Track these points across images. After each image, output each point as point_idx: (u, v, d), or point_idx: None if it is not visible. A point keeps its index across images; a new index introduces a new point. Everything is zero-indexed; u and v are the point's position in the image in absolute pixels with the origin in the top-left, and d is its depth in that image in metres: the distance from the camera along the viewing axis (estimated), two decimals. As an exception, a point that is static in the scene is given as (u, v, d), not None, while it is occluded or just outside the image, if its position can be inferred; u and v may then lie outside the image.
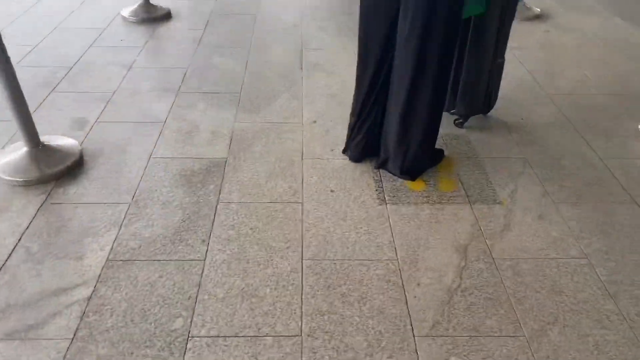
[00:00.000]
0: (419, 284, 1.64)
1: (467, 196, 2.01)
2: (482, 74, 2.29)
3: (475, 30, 2.17)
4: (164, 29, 3.46)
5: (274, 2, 3.90)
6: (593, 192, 2.03)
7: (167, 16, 3.62)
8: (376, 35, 1.92)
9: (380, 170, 2.13)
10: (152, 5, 3.63)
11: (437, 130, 2.09)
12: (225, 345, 1.44)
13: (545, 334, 1.48)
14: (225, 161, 2.18)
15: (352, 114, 2.13)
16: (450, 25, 1.83)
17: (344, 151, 2.21)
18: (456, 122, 2.42)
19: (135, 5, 3.60)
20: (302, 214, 1.91)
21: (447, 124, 2.42)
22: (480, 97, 2.38)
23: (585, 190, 2.05)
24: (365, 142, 2.14)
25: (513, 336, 1.48)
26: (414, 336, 1.48)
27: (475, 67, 2.26)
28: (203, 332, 1.48)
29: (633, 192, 2.03)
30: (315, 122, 2.46)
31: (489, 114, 2.50)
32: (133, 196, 1.98)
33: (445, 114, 2.41)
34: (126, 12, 3.59)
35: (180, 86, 2.75)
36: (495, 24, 2.17)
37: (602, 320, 1.53)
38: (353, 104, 2.11)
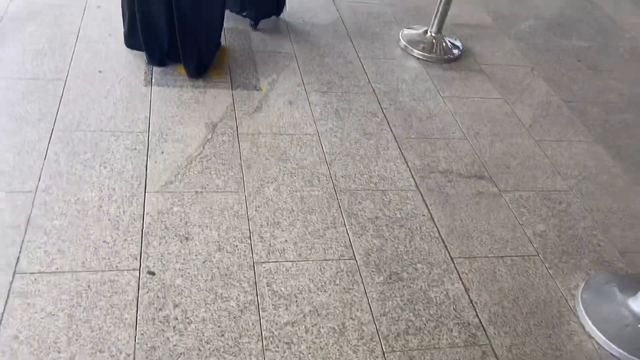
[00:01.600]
0: (162, 152, 1.82)
1: (232, 82, 2.20)
2: None
3: None
4: None
5: None
6: (342, 84, 2.33)
7: None
8: None
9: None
10: None
11: (221, 27, 2.22)
12: (-45, 200, 1.53)
13: (262, 191, 1.76)
14: (-9, 38, 2.14)
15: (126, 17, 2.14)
16: None
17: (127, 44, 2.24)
18: (250, 24, 2.54)
19: None
20: (63, 90, 1.98)
21: (237, 22, 2.56)
22: (268, 2, 2.51)
23: (337, 82, 2.33)
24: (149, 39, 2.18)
25: (234, 192, 1.73)
26: (145, 192, 1.67)
27: None
28: None
29: (375, 85, 2.36)
30: (99, 7, 2.47)
31: (280, 16, 2.66)
32: None
33: (237, 17, 2.54)
34: None
35: (-47, -39, 2.56)
36: None
37: (313, 180, 1.83)
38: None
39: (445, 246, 1.70)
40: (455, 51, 2.69)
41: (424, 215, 1.78)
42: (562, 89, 2.58)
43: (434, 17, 2.69)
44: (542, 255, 1.73)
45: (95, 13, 2.42)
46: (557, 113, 2.41)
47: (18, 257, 1.42)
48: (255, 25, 2.54)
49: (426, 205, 1.83)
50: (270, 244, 1.59)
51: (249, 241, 1.59)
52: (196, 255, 1.52)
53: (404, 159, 2.00)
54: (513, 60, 2.75)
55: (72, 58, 2.13)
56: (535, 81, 2.61)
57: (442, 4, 2.63)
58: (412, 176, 1.93)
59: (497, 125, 2.26)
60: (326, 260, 1.58)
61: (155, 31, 2.10)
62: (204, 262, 1.51)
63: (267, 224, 1.65)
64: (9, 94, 1.91)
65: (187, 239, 1.56)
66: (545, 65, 2.75)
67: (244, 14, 2.52)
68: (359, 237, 1.66)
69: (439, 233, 1.73)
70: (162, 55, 2.17)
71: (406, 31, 2.76)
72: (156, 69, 2.17)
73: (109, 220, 1.56)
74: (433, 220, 1.77)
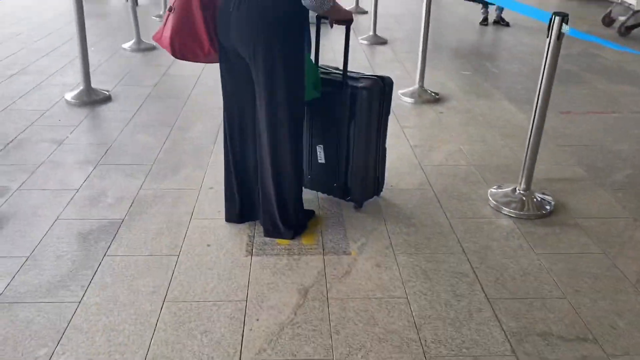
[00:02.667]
0: (258, 320, 1.94)
1: (323, 248, 2.35)
2: (369, 165, 2.59)
3: (359, 128, 2.48)
4: (101, 110, 3.90)
5: (206, 87, 4.38)
6: (430, 245, 2.38)
7: (106, 99, 4.07)
8: (238, 115, 2.33)
9: (256, 227, 2.47)
10: (93, 89, 4.09)
11: (300, 194, 2.44)
12: (77, 369, 1.71)
13: (350, 358, 1.77)
14: (121, 222, 2.51)
15: (227, 186, 2.47)
16: (294, 109, 2.24)
17: (227, 220, 2.53)
18: (354, 207, 2.69)
19: (78, 90, 4.06)
20: (175, 264, 2.23)
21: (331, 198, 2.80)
22: (370, 185, 2.66)
23: (425, 243, 2.40)
24: (245, 209, 2.50)
25: (323, 359, 1.77)
26: (239, 360, 1.76)
27: (362, 160, 2.55)
28: (62, 359, 1.75)
29: (464, 244, 2.39)
30: (212, 188, 2.83)
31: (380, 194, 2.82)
32: (32, 250, 2.29)
33: (340, 201, 2.74)
34: (69, 95, 4.03)
35: (100, 159, 3.12)
36: (375, 120, 2.51)
37: (402, 346, 1.83)
38: (225, 175, 2.46)
39: (549, 420, 1.56)
40: (548, 207, 2.68)
41: (522, 384, 1.68)
42: (671, 239, 2.43)
43: (521, 174, 2.74)
44: None
45: (208, 194, 2.77)
46: (668, 265, 2.25)
47: None
48: (359, 207, 2.68)
49: (524, 372, 1.73)
50: (357, 415, 1.57)
51: (337, 412, 1.58)
52: None
53: (498, 321, 1.94)
54: (611, 212, 2.67)
55: (185, 235, 2.42)
56: (638, 233, 2.48)
57: (527, 160, 2.69)
58: (507, 340, 1.86)
59: (598, 282, 2.15)
60: None
61: (238, 191, 2.45)
62: None
63: (355, 393, 1.65)
64: (130, 269, 2.19)
65: (276, 408, 1.59)
66: (649, 215, 2.63)
67: (348, 198, 2.68)
68: (451, 409, 1.59)
69: (540, 404, 1.61)
70: (237, 213, 2.49)
71: (494, 190, 2.82)
72: (257, 240, 2.39)
73: (205, 388, 1.65)
74: (533, 390, 1.66)
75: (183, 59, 2.26)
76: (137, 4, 6.12)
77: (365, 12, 7.20)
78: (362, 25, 6.29)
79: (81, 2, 3.92)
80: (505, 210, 2.65)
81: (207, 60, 2.27)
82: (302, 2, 2.02)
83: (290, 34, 2.13)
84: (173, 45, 2.14)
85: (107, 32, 6.13)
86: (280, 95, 2.17)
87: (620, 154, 3.33)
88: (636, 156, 3.29)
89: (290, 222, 2.40)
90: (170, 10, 2.13)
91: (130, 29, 5.52)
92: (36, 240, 2.36)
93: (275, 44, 2.10)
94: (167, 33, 2.13)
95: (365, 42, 5.92)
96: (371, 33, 5.99)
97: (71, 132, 3.49)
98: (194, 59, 2.26)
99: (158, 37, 2.20)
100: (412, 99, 4.18)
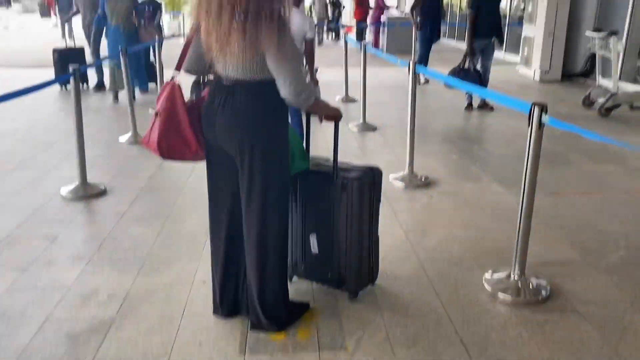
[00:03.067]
0: None
1: (319, 343, 2.29)
2: (363, 254, 2.58)
3: (351, 218, 2.49)
4: (96, 204, 3.93)
5: (200, 178, 4.44)
6: (428, 336, 2.34)
7: (102, 193, 4.10)
8: (224, 208, 2.36)
9: (250, 322, 2.42)
10: (88, 184, 4.13)
11: (284, 287, 2.40)
12: None
13: None
14: (112, 321, 2.46)
15: (214, 279, 2.46)
16: (279, 205, 2.27)
17: (215, 313, 2.49)
18: (349, 297, 2.65)
19: (73, 185, 4.10)
20: (166, 365, 2.16)
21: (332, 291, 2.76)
22: (365, 274, 2.64)
23: (423, 334, 2.35)
24: (230, 302, 2.46)
25: None
26: None
27: (356, 250, 2.55)
28: None
29: (462, 335, 2.34)
30: (204, 282, 2.79)
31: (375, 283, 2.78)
32: (18, 356, 2.22)
33: (335, 291, 2.71)
34: (65, 190, 4.07)
35: (93, 255, 3.11)
36: (366, 209, 2.54)
37: None
38: (212, 268, 2.46)
39: None
40: (543, 292, 2.66)
41: None
42: (672, 323, 2.39)
43: (514, 259, 2.74)
44: None
45: (201, 288, 2.73)
46: (672, 351, 2.20)
47: None
48: (355, 297, 2.63)
49: None
50: None
51: None
52: None
53: (502, 418, 1.87)
54: (609, 296, 2.65)
55: (177, 333, 2.37)
56: (638, 317, 2.45)
57: (519, 244, 2.69)
58: None
59: (602, 371, 2.09)
60: None
61: (224, 285, 2.42)
62: None
63: None
64: (120, 372, 2.12)
65: None
66: (647, 297, 2.61)
67: (343, 287, 2.64)
68: None
69: None
70: (222, 308, 2.46)
71: (488, 275, 2.81)
72: (251, 337, 2.33)
73: None
74: None
75: (171, 159, 2.32)
76: (134, 98, 6.34)
77: (355, 101, 7.47)
78: (352, 113, 6.51)
79: (79, 98, 4.06)
80: (501, 296, 2.63)
81: (195, 159, 2.34)
82: (285, 101, 2.11)
83: (274, 131, 2.21)
84: (161, 147, 2.20)
85: (105, 126, 6.30)
86: (264, 189, 2.21)
87: (612, 234, 3.35)
88: (628, 237, 3.31)
89: (274, 316, 2.36)
90: (156, 114, 2.21)
91: (127, 122, 5.68)
92: (23, 344, 2.29)
93: (259, 142, 2.17)
94: (154, 137, 2.20)
95: (356, 129, 6.09)
96: (361, 121, 6.19)
97: (65, 228, 3.49)
98: (182, 158, 2.33)
99: (146, 141, 2.27)
100: (403, 183, 4.25)
